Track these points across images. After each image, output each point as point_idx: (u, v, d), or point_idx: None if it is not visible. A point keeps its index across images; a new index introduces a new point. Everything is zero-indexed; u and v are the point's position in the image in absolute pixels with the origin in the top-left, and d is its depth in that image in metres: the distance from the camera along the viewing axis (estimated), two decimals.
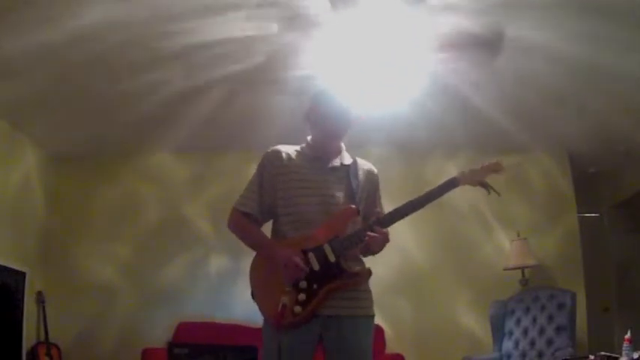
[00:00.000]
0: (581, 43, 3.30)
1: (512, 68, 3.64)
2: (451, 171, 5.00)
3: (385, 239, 2.12)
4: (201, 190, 5.04)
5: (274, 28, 3.19)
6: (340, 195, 2.18)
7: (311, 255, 2.07)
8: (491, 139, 4.81)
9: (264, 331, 2.13)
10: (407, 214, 2.13)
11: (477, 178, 2.19)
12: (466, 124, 4.49)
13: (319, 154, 2.24)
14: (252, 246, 2.21)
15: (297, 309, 2.03)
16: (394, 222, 2.13)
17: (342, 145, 2.31)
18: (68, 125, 4.45)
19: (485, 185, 2.19)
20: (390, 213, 2.15)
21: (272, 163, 2.22)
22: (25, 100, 3.97)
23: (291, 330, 2.02)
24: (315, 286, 2.05)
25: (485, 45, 3.29)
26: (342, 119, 2.23)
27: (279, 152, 2.24)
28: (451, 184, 2.18)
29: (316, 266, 2.07)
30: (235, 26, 3.16)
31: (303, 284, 2.05)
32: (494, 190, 2.19)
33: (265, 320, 2.12)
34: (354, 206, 2.14)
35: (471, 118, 4.38)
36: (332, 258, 2.08)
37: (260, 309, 2.12)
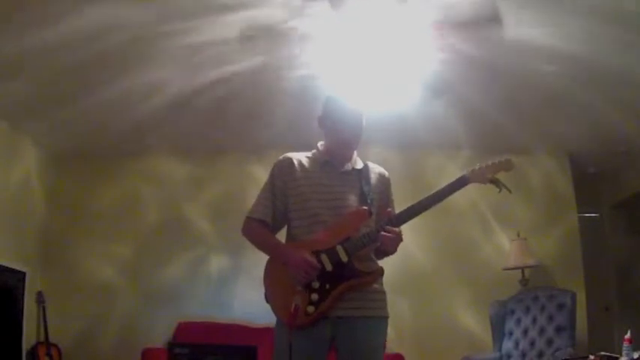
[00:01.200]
0: (582, 43, 3.30)
1: (513, 68, 3.64)
2: (451, 171, 5.03)
3: (398, 238, 2.13)
4: (201, 190, 5.03)
5: (274, 28, 3.19)
6: (352, 198, 2.19)
7: (323, 256, 2.09)
8: (491, 140, 4.81)
9: (276, 332, 2.14)
10: (418, 214, 2.14)
11: (488, 176, 2.17)
12: (466, 124, 4.49)
13: (331, 159, 2.25)
14: (265, 250, 2.24)
15: (310, 309, 2.04)
16: (405, 221, 2.14)
17: (355, 156, 2.32)
18: (68, 125, 4.45)
19: (496, 182, 2.17)
20: (400, 212, 2.16)
21: (282, 170, 2.24)
22: (25, 100, 3.97)
23: (303, 331, 2.03)
24: (327, 286, 2.06)
25: (484, 20, 3.21)
26: (354, 127, 2.23)
27: (289, 160, 2.26)
28: (461, 182, 2.17)
29: (329, 267, 2.08)
30: (235, 26, 3.16)
31: (316, 284, 2.07)
32: (506, 188, 2.17)
33: (278, 320, 2.13)
34: (365, 207, 2.15)
35: (471, 118, 4.38)
36: (344, 258, 2.09)
37: (273, 309, 2.14)
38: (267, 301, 2.16)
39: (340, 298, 2.06)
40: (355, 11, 3.02)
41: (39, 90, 3.81)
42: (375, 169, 2.32)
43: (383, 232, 2.08)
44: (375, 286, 2.17)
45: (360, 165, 2.29)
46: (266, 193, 2.25)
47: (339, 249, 2.09)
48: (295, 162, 2.25)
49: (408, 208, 2.14)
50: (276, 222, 2.24)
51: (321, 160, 2.25)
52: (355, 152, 2.31)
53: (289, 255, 2.11)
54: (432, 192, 2.16)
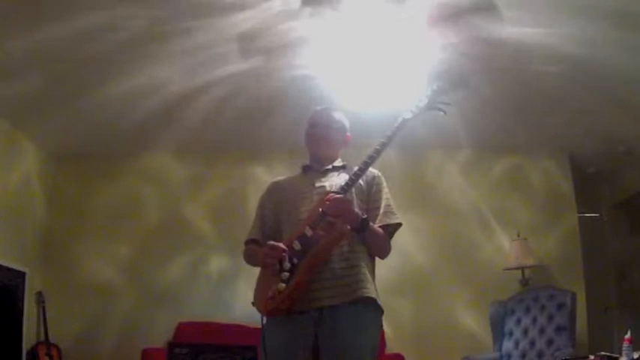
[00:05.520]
0: (581, 44, 3.30)
1: (512, 68, 3.64)
2: (451, 170, 5.04)
3: (341, 204, 2.10)
4: (201, 190, 5.03)
5: (274, 28, 3.19)
6: (332, 189, 2.22)
7: (295, 242, 2.12)
8: (491, 140, 4.81)
9: (261, 332, 2.15)
10: (371, 163, 2.23)
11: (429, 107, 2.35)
12: (466, 124, 4.49)
13: (311, 163, 2.39)
14: (256, 262, 2.28)
15: (281, 286, 2.06)
16: (356, 180, 2.19)
17: (338, 158, 2.42)
18: (68, 125, 4.45)
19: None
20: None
21: (270, 194, 2.39)
22: (25, 100, 3.97)
23: (283, 325, 2.07)
24: (295, 260, 2.09)
25: (479, 11, 3.14)
26: (317, 142, 2.37)
27: (276, 183, 2.43)
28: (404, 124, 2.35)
29: (298, 246, 2.11)
30: (235, 26, 3.17)
31: (286, 266, 2.09)
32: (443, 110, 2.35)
33: (262, 318, 2.15)
34: (334, 191, 2.16)
35: (471, 118, 4.38)
36: (309, 232, 2.11)
37: (257, 309, 2.16)
38: (254, 305, 2.19)
39: (312, 269, 2.06)
40: (355, 11, 3.03)
41: (39, 90, 3.80)
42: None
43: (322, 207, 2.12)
44: (346, 262, 2.13)
45: (339, 164, 2.39)
46: (256, 217, 2.40)
47: (306, 229, 2.12)
48: (279, 181, 2.43)
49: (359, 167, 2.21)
50: (268, 238, 2.26)
51: (302, 167, 2.41)
52: (339, 159, 2.41)
53: (259, 252, 2.19)
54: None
